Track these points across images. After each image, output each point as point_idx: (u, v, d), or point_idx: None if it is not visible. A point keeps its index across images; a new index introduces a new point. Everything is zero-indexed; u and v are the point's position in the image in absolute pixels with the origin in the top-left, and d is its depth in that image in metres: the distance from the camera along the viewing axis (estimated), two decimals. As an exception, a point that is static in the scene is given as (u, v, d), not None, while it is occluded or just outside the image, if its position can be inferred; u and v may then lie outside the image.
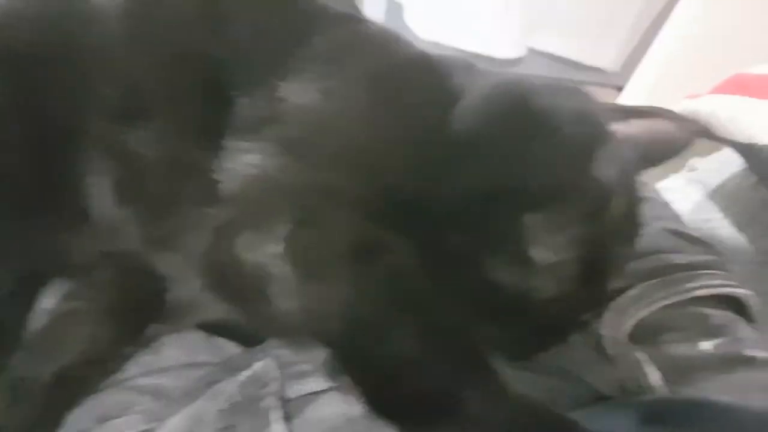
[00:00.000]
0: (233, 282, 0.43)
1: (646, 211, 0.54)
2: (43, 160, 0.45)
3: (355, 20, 0.50)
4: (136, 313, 0.50)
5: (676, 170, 0.80)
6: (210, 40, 0.46)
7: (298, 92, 0.43)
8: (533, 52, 1.65)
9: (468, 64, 0.50)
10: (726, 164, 0.70)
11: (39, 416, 0.47)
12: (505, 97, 0.45)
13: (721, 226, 0.68)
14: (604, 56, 1.62)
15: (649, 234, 0.53)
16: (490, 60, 1.63)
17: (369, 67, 0.46)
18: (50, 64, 0.45)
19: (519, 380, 0.42)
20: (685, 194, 0.73)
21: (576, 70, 1.68)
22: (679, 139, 0.42)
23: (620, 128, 0.45)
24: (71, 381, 0.49)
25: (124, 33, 0.46)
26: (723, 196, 0.69)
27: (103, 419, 0.48)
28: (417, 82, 0.46)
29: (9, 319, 0.49)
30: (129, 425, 0.48)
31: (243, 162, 0.42)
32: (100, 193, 0.46)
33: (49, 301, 0.50)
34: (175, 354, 0.52)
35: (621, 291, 0.48)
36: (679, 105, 0.62)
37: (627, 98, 1.24)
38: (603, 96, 1.34)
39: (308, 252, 0.40)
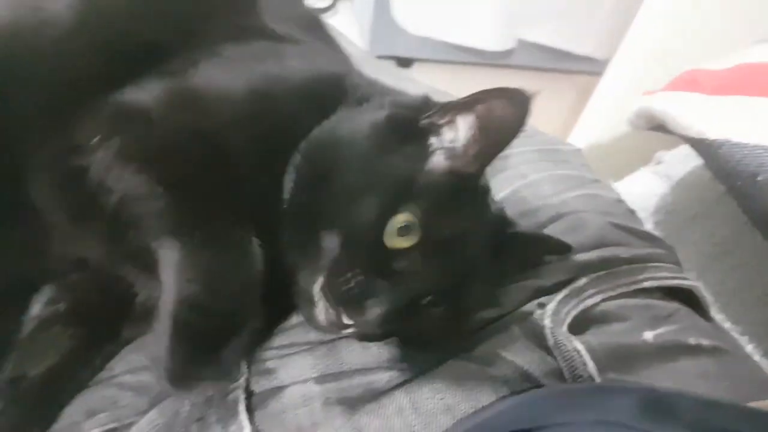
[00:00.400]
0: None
1: (593, 206, 0.57)
2: None
3: None
4: (112, 314, 0.54)
5: (644, 163, 0.82)
6: None
7: None
8: (523, 44, 1.67)
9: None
10: (689, 157, 0.72)
11: (32, 415, 0.51)
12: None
13: (683, 218, 0.70)
14: (593, 45, 1.62)
15: (595, 227, 0.55)
16: (481, 53, 1.64)
17: None
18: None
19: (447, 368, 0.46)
20: (651, 187, 0.75)
21: (566, 59, 1.69)
22: (517, 118, 0.44)
23: (460, 120, 0.47)
24: (60, 380, 0.52)
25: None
26: (685, 188, 0.72)
27: (91, 413, 0.52)
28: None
29: (7, 325, 0.53)
30: (114, 419, 0.51)
31: None
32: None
33: (35, 307, 0.54)
34: None
35: (566, 283, 0.51)
36: (635, 102, 0.65)
37: (607, 85, 1.25)
38: (594, 84, 1.35)
39: None
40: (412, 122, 0.47)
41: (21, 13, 0.50)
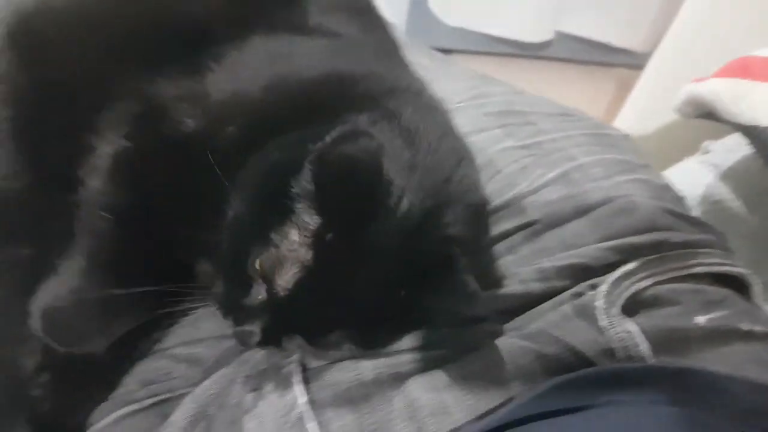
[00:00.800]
0: None
1: (644, 191, 0.57)
2: None
3: None
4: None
5: (690, 154, 0.81)
6: None
7: None
8: (561, 35, 1.65)
9: None
10: (738, 146, 0.71)
11: (97, 381, 0.55)
12: None
13: (731, 207, 0.69)
14: (633, 37, 1.60)
15: (647, 212, 0.55)
16: (518, 44, 1.63)
17: None
18: None
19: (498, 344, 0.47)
20: (698, 177, 0.74)
21: (605, 51, 1.67)
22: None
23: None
24: (122, 350, 0.55)
25: None
26: (733, 178, 0.71)
27: (146, 383, 0.54)
28: None
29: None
30: (167, 389, 0.53)
31: None
32: None
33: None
34: (209, 326, 0.58)
35: (615, 265, 0.51)
36: (684, 89, 0.64)
37: (651, 74, 1.23)
38: (633, 78, 1.34)
39: None
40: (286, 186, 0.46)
41: None
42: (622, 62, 1.67)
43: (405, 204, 0.44)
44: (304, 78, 0.52)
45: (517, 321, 0.50)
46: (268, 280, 0.45)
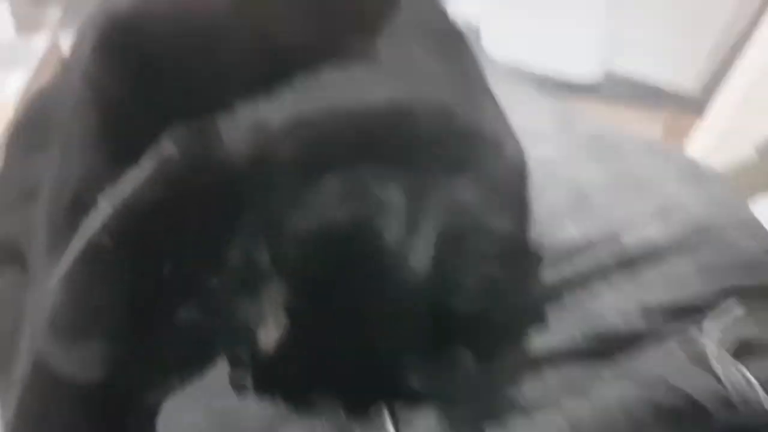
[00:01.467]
0: None
1: (743, 229, 0.54)
2: None
3: None
4: None
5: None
6: None
7: None
8: (610, 76, 1.63)
9: None
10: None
11: None
12: None
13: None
14: (685, 80, 1.58)
15: (753, 253, 0.52)
16: (566, 85, 1.62)
17: None
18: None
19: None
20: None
21: (654, 96, 1.65)
22: None
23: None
24: None
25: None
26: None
27: None
28: None
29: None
30: None
31: None
32: None
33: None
34: None
35: (723, 307, 0.48)
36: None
37: (709, 124, 1.21)
38: (682, 122, 1.31)
39: None
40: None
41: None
42: (671, 105, 1.65)
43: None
44: (369, 108, 0.49)
45: (621, 361, 0.47)
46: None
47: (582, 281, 0.51)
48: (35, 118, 0.59)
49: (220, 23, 0.52)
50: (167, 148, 0.46)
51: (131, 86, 0.50)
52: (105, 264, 0.45)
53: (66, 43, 1.56)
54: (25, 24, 1.61)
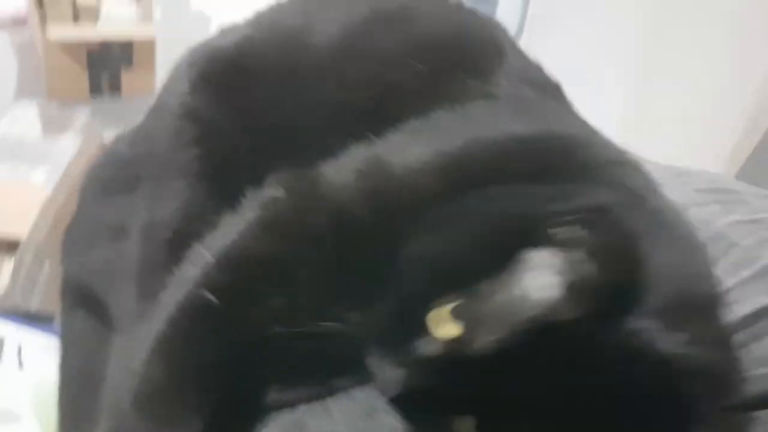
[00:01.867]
0: None
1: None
2: None
3: None
4: None
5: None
6: None
7: None
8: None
9: None
10: None
11: None
12: None
13: None
14: (711, 165, 1.60)
15: None
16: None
17: None
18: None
19: None
20: None
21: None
22: None
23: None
24: None
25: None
26: None
27: None
28: None
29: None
30: None
31: None
32: None
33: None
34: None
35: None
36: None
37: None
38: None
39: None
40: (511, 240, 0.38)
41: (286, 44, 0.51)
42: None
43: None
44: (514, 135, 0.46)
45: None
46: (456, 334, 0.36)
47: None
48: (114, 162, 0.56)
49: (325, 65, 0.50)
50: (273, 190, 0.42)
51: (234, 121, 0.47)
52: (205, 324, 0.39)
53: (93, 144, 1.60)
54: (51, 126, 1.66)
